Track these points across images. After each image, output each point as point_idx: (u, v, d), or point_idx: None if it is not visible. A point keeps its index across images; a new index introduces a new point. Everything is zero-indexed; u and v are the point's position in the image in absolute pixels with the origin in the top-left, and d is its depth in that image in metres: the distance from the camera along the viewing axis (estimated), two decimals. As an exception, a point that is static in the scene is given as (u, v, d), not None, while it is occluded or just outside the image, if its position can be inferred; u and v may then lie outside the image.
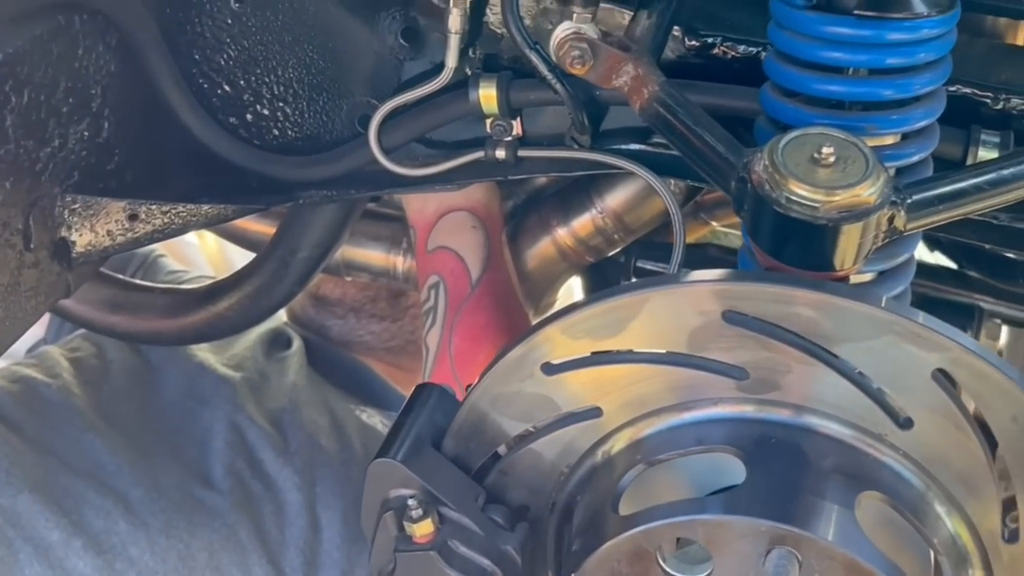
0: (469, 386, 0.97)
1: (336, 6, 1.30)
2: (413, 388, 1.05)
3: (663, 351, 0.90)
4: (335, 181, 1.35)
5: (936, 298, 1.55)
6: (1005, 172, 0.99)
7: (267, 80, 1.33)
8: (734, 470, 0.89)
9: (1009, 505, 0.87)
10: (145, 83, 1.28)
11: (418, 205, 1.61)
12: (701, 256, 1.64)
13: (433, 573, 0.95)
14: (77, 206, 1.26)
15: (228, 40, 1.31)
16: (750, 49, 1.21)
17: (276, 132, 1.36)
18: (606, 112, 1.25)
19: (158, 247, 2.17)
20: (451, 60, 1.21)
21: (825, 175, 0.90)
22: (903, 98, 1.04)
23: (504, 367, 0.94)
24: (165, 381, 1.83)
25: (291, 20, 1.30)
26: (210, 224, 1.39)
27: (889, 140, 1.06)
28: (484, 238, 1.57)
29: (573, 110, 1.20)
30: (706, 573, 0.89)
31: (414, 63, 1.32)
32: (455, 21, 1.19)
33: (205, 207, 1.34)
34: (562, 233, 1.63)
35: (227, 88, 1.33)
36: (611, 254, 1.66)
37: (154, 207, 1.31)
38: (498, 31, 1.26)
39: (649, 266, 1.63)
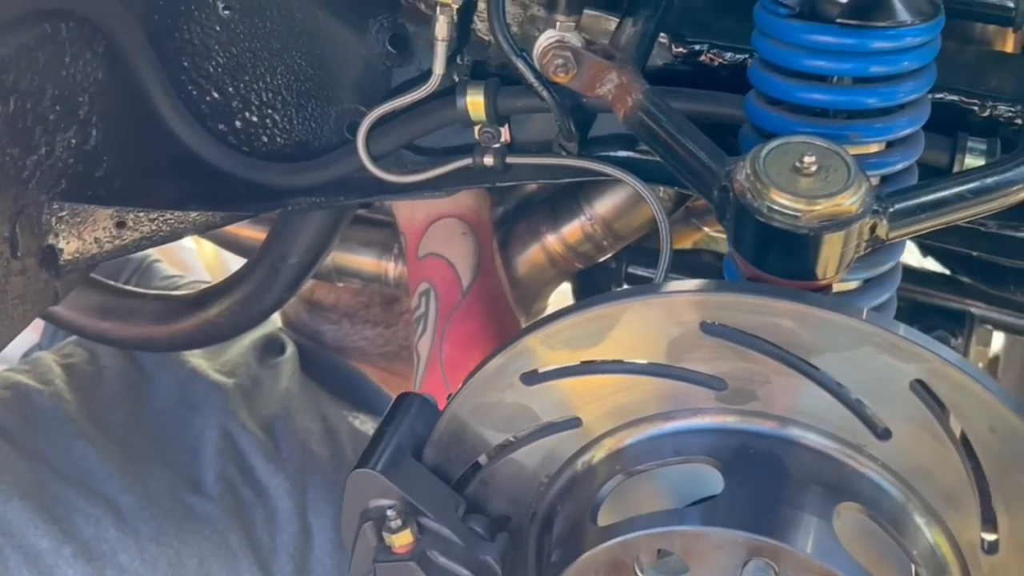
0: (450, 395, 0.97)
1: (324, 13, 1.30)
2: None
3: (643, 361, 0.90)
4: (324, 188, 1.35)
5: (927, 304, 1.55)
6: (988, 181, 0.99)
7: (256, 87, 1.33)
8: (715, 480, 0.89)
9: (988, 516, 0.87)
10: (133, 90, 1.29)
11: (408, 212, 1.61)
12: (693, 262, 1.64)
13: (413, 584, 0.95)
14: (64, 214, 1.26)
15: (216, 47, 1.31)
16: (737, 56, 1.21)
17: (265, 139, 1.36)
18: (594, 119, 1.24)
19: (154, 252, 2.17)
20: (438, 67, 1.21)
21: (807, 184, 0.89)
22: (887, 106, 1.03)
23: (484, 377, 0.94)
24: (158, 387, 1.83)
25: (279, 27, 1.30)
26: (199, 231, 1.40)
27: (874, 148, 1.05)
28: (474, 245, 1.57)
29: (560, 117, 1.19)
30: (684, 584, 0.89)
31: (402, 70, 1.32)
32: (442, 28, 1.19)
33: (193, 214, 1.34)
34: (551, 240, 1.63)
35: (216, 95, 1.34)
36: (602, 260, 1.66)
37: (141, 214, 1.31)
38: (485, 38, 1.25)
39: (640, 272, 1.63)
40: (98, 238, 1.30)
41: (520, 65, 1.16)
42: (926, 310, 1.55)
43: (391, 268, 1.75)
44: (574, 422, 0.93)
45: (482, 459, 0.98)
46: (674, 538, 0.86)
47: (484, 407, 0.95)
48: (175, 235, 1.35)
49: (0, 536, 1.54)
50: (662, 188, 1.44)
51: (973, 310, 1.54)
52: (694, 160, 1.00)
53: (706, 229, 1.71)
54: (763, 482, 0.87)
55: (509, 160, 1.26)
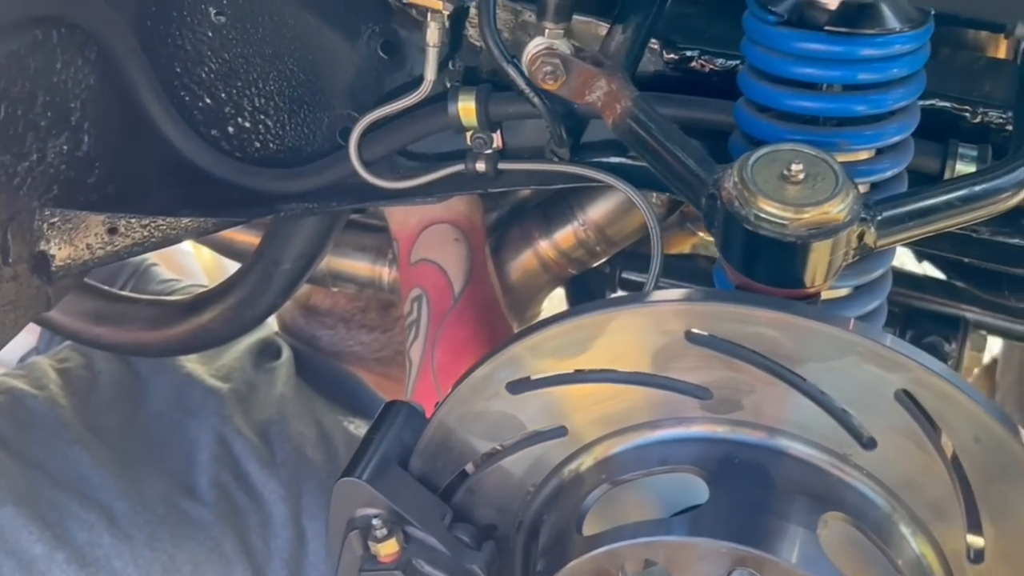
0: (437, 404, 0.97)
1: (316, 19, 1.30)
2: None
3: (628, 370, 0.90)
4: (316, 193, 1.35)
5: (921, 309, 1.54)
6: (977, 188, 0.98)
7: (248, 92, 1.33)
8: (701, 489, 0.89)
9: (974, 525, 0.87)
10: (125, 96, 1.28)
11: (400, 217, 1.61)
12: (688, 267, 1.64)
13: (398, 593, 0.95)
14: (56, 220, 1.26)
15: (209, 53, 1.31)
16: (728, 62, 1.21)
17: (257, 144, 1.36)
18: (586, 125, 1.24)
19: (151, 255, 2.17)
20: (430, 73, 1.21)
21: (794, 192, 0.89)
22: (876, 113, 1.03)
23: (470, 385, 0.94)
24: (153, 392, 1.83)
25: (271, 33, 1.30)
26: (191, 237, 1.40)
27: (863, 155, 1.05)
28: (467, 251, 1.57)
29: (551, 123, 1.19)
30: (669, 593, 0.89)
31: (394, 76, 1.32)
32: (433, 34, 1.19)
33: (186, 220, 1.35)
34: (544, 245, 1.62)
35: (208, 101, 1.33)
36: (595, 265, 1.65)
37: (134, 220, 1.31)
38: (477, 44, 1.25)
39: (634, 277, 1.63)
40: (90, 244, 1.30)
41: (511, 71, 1.16)
42: (920, 315, 1.54)
43: (385, 273, 1.75)
44: (560, 431, 0.93)
45: (469, 467, 0.98)
46: (659, 548, 0.86)
47: (471, 415, 0.95)
48: (168, 241, 1.36)
49: (-7, 542, 1.55)
50: (654, 194, 1.44)
51: (967, 315, 1.53)
52: (682, 167, 1.00)
53: (701, 234, 1.71)
54: (748, 492, 0.87)
55: (501, 166, 1.26)
